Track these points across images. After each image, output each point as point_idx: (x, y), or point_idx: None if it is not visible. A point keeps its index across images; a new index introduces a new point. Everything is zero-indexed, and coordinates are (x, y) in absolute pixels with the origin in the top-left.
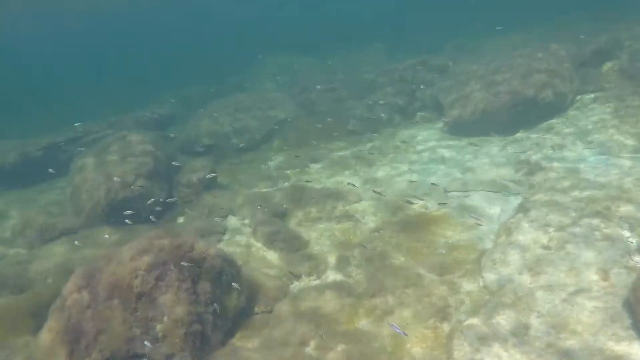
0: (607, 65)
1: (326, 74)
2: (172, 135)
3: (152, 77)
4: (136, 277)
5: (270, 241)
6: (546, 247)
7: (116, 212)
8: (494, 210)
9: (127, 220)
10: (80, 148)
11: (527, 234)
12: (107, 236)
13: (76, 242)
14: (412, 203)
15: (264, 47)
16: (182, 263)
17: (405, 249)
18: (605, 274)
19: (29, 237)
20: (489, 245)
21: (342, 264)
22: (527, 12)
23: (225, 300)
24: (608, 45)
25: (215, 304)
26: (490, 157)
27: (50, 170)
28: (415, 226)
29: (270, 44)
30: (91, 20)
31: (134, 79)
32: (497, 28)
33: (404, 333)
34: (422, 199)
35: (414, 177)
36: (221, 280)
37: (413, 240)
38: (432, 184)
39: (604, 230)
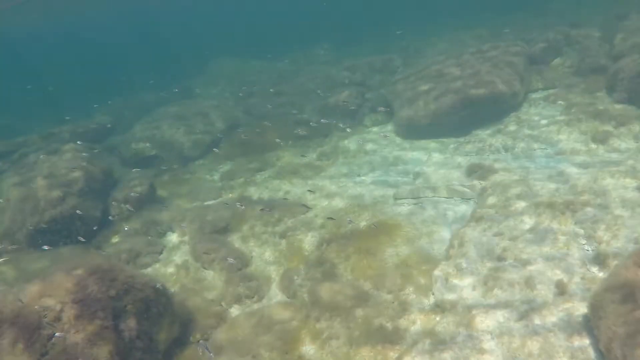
0: (557, 62)
1: (275, 77)
2: (110, 145)
3: (93, 84)
4: (45, 316)
5: (210, 260)
6: (500, 258)
7: (45, 234)
8: (446, 217)
9: (44, 247)
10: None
11: (480, 244)
12: (29, 256)
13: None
14: (352, 222)
15: (214, 50)
16: (100, 297)
17: (352, 263)
18: (563, 286)
19: None
20: (440, 255)
21: (286, 282)
22: (475, 9)
23: (156, 333)
24: (557, 41)
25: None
26: (442, 161)
27: None
28: (363, 237)
29: (220, 47)
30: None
31: (75, 86)
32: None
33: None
34: (369, 209)
35: (364, 183)
36: (150, 311)
37: (362, 254)
38: (381, 191)
39: (560, 238)
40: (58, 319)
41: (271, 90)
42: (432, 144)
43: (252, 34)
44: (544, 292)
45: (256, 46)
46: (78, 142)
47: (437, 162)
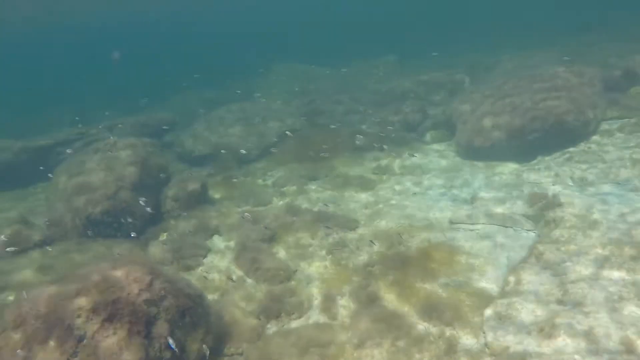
0: (636, 90)
1: (336, 85)
2: (168, 141)
3: (157, 81)
4: (78, 316)
5: (253, 270)
6: (561, 302)
7: (96, 225)
8: (503, 248)
9: (92, 238)
10: (68, 150)
11: (539, 284)
12: (79, 245)
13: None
14: (402, 244)
15: (276, 55)
16: (135, 301)
17: (399, 289)
18: (630, 343)
19: (2, 246)
20: (495, 291)
21: (328, 302)
22: (549, 30)
23: (188, 342)
24: (636, 67)
25: (173, 348)
26: (503, 186)
27: (41, 167)
28: (412, 262)
29: (282, 52)
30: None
31: (138, 82)
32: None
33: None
34: (422, 231)
35: (419, 203)
36: (185, 320)
37: (409, 280)
38: (436, 212)
39: (631, 287)
40: (89, 320)
41: (331, 98)
42: (494, 167)
43: (318, 40)
44: (607, 346)
45: (320, 53)
46: (138, 137)
47: (498, 187)
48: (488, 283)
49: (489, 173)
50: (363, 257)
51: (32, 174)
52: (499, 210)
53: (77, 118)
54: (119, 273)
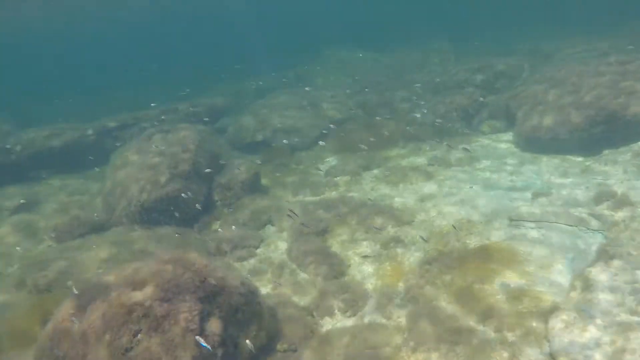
0: None
1: (389, 72)
2: (221, 127)
3: (208, 67)
4: (133, 311)
5: (306, 264)
6: (634, 313)
7: (150, 212)
8: (568, 249)
9: (143, 218)
10: (118, 143)
11: (609, 291)
12: (133, 233)
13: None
14: (459, 241)
15: (327, 40)
16: (189, 298)
17: (457, 290)
18: None
19: (60, 230)
20: (559, 297)
21: (384, 301)
22: (615, 15)
23: (241, 338)
24: None
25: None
26: (567, 182)
27: (90, 157)
28: (471, 261)
29: (333, 37)
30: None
31: (192, 67)
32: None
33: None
34: (481, 228)
35: (477, 197)
36: (238, 316)
37: (467, 281)
38: (495, 208)
39: None
40: (146, 315)
41: (384, 86)
42: (556, 160)
43: (370, 25)
44: None
45: (373, 38)
46: (192, 123)
47: (562, 182)
48: (552, 287)
49: (551, 167)
50: (419, 254)
51: (89, 158)
52: (562, 207)
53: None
54: (173, 267)
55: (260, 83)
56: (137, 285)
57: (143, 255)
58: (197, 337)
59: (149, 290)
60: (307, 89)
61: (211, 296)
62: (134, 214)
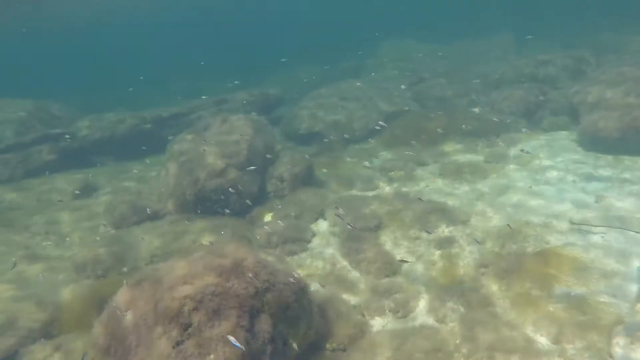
0: None
1: (446, 64)
2: (276, 117)
3: (264, 56)
4: (184, 305)
5: (357, 261)
6: None
7: (204, 202)
8: (634, 258)
9: (198, 207)
10: (174, 131)
11: None
12: (187, 222)
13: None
14: (516, 244)
15: (385, 31)
16: (240, 294)
17: (513, 296)
18: None
19: (117, 216)
20: (624, 308)
21: (436, 303)
22: None
23: (291, 337)
24: None
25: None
26: (635, 184)
27: (143, 148)
28: (529, 266)
29: (391, 28)
30: None
31: (245, 57)
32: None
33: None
34: (539, 230)
35: (536, 198)
36: (288, 313)
37: (525, 286)
38: (555, 210)
39: None
40: (196, 309)
41: (442, 78)
42: (623, 161)
43: (429, 15)
44: None
45: (435, 29)
46: (247, 113)
47: (629, 184)
48: (616, 297)
49: (617, 168)
50: (475, 255)
51: (148, 146)
52: (628, 212)
53: (178, 97)
54: (224, 261)
55: (314, 77)
56: (189, 278)
57: (195, 246)
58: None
59: (200, 284)
60: (360, 82)
61: (261, 293)
62: (188, 203)
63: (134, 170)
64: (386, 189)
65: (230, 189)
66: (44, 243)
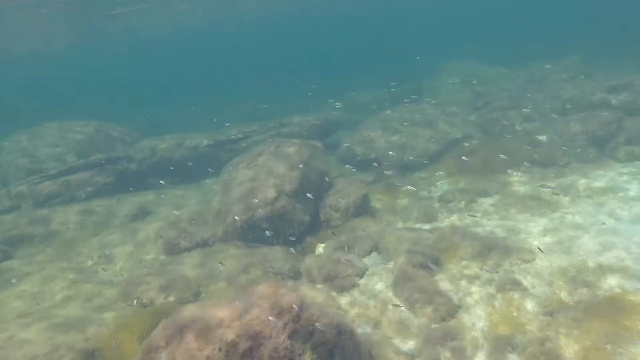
0: None
1: (513, 88)
2: (329, 144)
3: (321, 79)
4: (219, 349)
5: (411, 301)
6: None
7: (254, 230)
8: None
9: (248, 235)
10: (231, 155)
11: None
12: (236, 250)
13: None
14: (587, 288)
15: (449, 53)
16: (278, 337)
17: (584, 351)
18: None
19: (168, 243)
20: None
21: (497, 354)
22: None
23: None
24: None
25: None
26: None
27: (209, 170)
28: (601, 315)
29: (455, 51)
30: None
31: (304, 80)
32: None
33: None
34: (614, 273)
35: (610, 236)
36: (332, 358)
37: (597, 340)
38: (632, 250)
39: None
40: (229, 355)
41: (507, 103)
42: None
43: (495, 37)
44: None
45: (496, 52)
46: (304, 138)
47: None
48: None
49: None
50: (539, 300)
51: (205, 169)
52: None
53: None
54: (264, 303)
55: (372, 101)
56: (226, 320)
57: (242, 280)
58: None
59: (236, 326)
60: (420, 106)
61: (303, 336)
62: (239, 230)
63: (191, 193)
64: (445, 221)
65: (287, 214)
66: (95, 267)
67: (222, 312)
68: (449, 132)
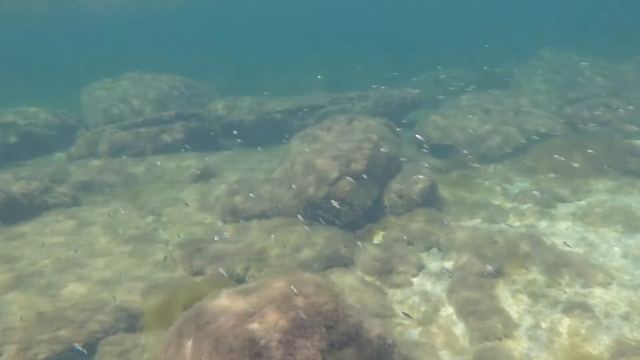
0: None
1: (613, 83)
2: (404, 124)
3: (415, 54)
4: (248, 347)
5: (466, 312)
6: None
7: (314, 209)
8: None
9: (307, 213)
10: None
11: None
12: (307, 228)
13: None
14: None
15: (542, 39)
16: (312, 345)
17: None
18: None
19: (227, 209)
20: None
21: None
22: None
23: None
24: None
25: None
26: None
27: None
28: None
29: (551, 37)
30: None
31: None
32: None
33: None
34: None
35: None
36: None
37: None
38: None
39: None
40: (259, 355)
41: (604, 99)
42: None
43: (599, 24)
44: None
45: (599, 41)
46: (381, 114)
47: None
48: None
49: None
50: (614, 333)
51: (279, 135)
52: None
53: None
54: (300, 302)
55: (461, 83)
56: (258, 317)
57: (292, 259)
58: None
59: (267, 325)
60: (506, 94)
61: (339, 345)
62: (298, 206)
63: (259, 159)
64: (515, 224)
65: (337, 202)
66: (154, 224)
67: (253, 303)
68: (534, 125)
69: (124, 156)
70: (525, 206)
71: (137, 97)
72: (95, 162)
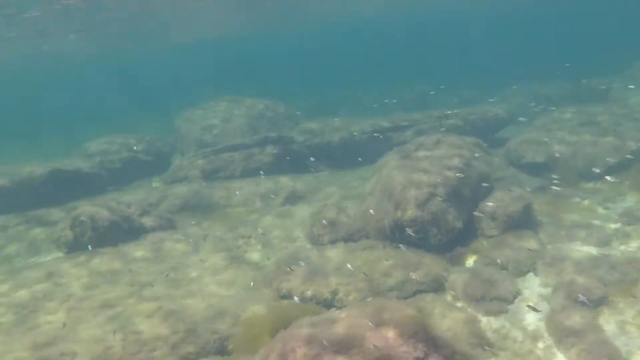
0: None
1: None
2: (494, 142)
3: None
4: None
5: (567, 345)
6: None
7: (401, 231)
8: None
9: (395, 235)
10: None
11: None
12: (381, 251)
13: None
14: None
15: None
16: None
17: None
18: None
19: (314, 232)
20: None
21: None
22: None
23: None
24: None
25: None
26: None
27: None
28: None
29: None
30: None
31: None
32: None
33: None
34: None
35: None
36: None
37: None
38: None
39: None
40: None
41: None
42: None
43: None
44: None
45: None
46: (462, 135)
47: None
48: None
49: None
50: None
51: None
52: None
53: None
54: (391, 334)
55: (552, 92)
56: (344, 349)
57: (381, 284)
58: None
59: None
60: (609, 106)
61: None
62: (385, 229)
63: (346, 181)
64: (620, 247)
65: (425, 224)
66: (245, 246)
67: (344, 331)
68: (637, 139)
69: (215, 180)
70: (630, 227)
71: (228, 121)
72: (189, 186)
